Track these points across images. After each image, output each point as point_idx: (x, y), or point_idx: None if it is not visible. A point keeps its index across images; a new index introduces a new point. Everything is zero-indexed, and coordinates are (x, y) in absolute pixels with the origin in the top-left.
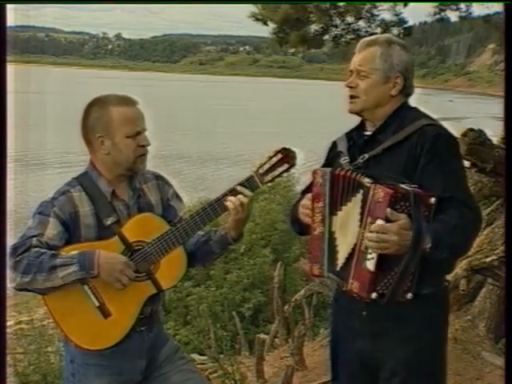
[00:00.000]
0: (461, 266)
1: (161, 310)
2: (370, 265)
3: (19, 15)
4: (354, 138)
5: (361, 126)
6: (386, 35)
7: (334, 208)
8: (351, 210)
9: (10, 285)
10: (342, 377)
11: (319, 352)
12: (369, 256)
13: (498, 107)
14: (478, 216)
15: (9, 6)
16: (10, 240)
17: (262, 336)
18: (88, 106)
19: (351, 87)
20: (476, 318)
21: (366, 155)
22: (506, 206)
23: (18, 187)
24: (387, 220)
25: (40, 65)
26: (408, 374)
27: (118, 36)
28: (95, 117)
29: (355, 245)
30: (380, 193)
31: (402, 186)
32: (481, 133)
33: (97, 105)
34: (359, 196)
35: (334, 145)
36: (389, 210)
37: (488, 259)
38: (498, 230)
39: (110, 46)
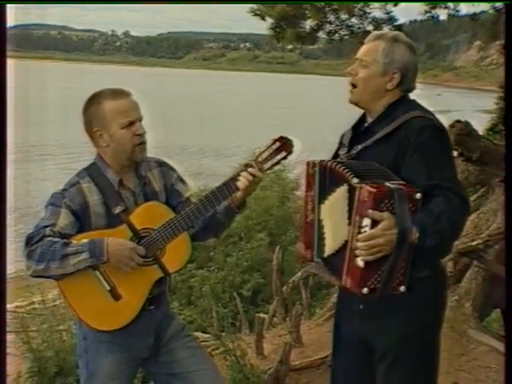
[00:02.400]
0: None
1: (167, 290)
2: (360, 262)
3: (34, 14)
4: (356, 129)
5: (363, 119)
6: (396, 32)
7: (321, 197)
8: (336, 201)
9: (26, 272)
10: (341, 355)
11: (315, 330)
12: (357, 253)
13: (483, 101)
14: (464, 201)
15: (23, 6)
16: (10, 230)
17: (262, 315)
18: (86, 102)
19: (352, 74)
20: (462, 297)
21: (359, 146)
22: (506, 206)
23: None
24: (373, 220)
25: (53, 60)
26: (399, 354)
27: (126, 33)
28: (92, 112)
29: (346, 241)
30: (365, 192)
31: (387, 183)
32: (467, 124)
33: (92, 100)
34: (344, 190)
35: (342, 137)
36: (370, 211)
37: (474, 243)
38: (483, 216)
39: (118, 43)
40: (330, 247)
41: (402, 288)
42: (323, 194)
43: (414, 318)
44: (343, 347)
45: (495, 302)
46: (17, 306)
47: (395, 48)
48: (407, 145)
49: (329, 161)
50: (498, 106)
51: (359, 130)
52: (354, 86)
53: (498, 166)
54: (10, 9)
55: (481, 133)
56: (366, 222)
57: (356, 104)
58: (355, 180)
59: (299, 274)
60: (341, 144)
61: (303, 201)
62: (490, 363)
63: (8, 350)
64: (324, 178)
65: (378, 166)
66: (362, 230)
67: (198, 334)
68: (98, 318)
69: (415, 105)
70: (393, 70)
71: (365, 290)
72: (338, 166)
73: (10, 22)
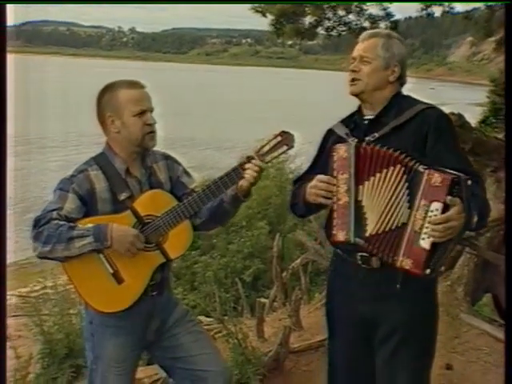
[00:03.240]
0: None
1: (171, 276)
2: (426, 244)
3: (41, 11)
4: (357, 121)
5: (359, 112)
6: (387, 30)
7: (360, 179)
8: (383, 183)
9: (32, 253)
10: (338, 337)
11: (314, 314)
12: (423, 236)
13: (475, 94)
14: (483, 182)
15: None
16: (21, 219)
17: (262, 300)
18: (100, 91)
19: (354, 71)
20: (455, 283)
21: (376, 134)
22: (506, 204)
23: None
24: (444, 204)
25: (62, 56)
26: (405, 335)
27: (132, 30)
28: (106, 99)
29: (404, 224)
30: (437, 178)
31: (451, 172)
32: (460, 116)
33: (107, 89)
34: (398, 173)
35: (330, 132)
36: (448, 197)
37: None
38: None
39: (124, 39)
40: (375, 227)
41: (443, 268)
42: (362, 176)
43: (421, 301)
44: (341, 330)
45: (486, 287)
46: (29, 291)
47: (393, 43)
48: (426, 132)
49: (367, 144)
50: (490, 99)
51: (360, 121)
52: (355, 79)
53: (490, 157)
54: (19, 6)
55: (473, 125)
56: (437, 206)
57: (358, 95)
58: (421, 167)
59: (298, 260)
60: (337, 137)
61: (330, 186)
62: (481, 346)
63: (21, 333)
64: (363, 161)
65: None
66: (431, 214)
67: (202, 317)
68: (102, 300)
69: (415, 98)
70: (394, 63)
71: (428, 271)
72: (382, 149)
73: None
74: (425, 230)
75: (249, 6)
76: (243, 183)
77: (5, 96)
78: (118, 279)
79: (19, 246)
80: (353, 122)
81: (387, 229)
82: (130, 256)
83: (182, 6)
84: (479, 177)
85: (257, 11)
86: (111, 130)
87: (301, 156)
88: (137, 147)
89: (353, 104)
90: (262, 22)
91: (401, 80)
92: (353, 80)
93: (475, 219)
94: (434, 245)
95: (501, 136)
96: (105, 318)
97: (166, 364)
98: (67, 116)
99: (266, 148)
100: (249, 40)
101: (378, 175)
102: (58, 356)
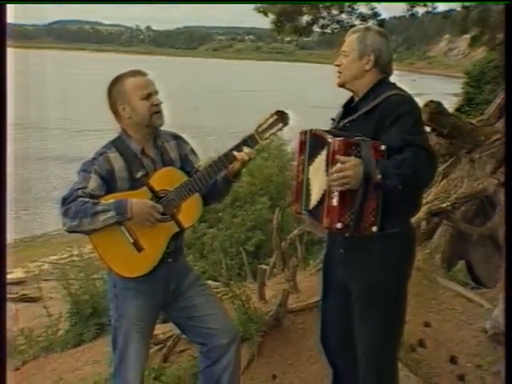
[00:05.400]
0: (422, 211)
1: (183, 245)
2: (335, 201)
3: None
4: (346, 108)
5: (351, 99)
6: (368, 24)
7: (310, 160)
8: (320, 161)
9: (62, 228)
10: (328, 298)
11: (309, 279)
12: (333, 195)
13: (452, 85)
14: (430, 154)
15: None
16: (11, 206)
17: (263, 266)
18: (109, 84)
19: (337, 65)
20: (433, 251)
21: (345, 120)
22: (506, 204)
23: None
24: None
25: (86, 51)
26: (371, 297)
27: (148, 28)
28: (115, 90)
29: (325, 190)
30: (336, 144)
31: (357, 138)
32: (439, 104)
33: (115, 81)
34: (325, 150)
35: (337, 115)
36: (338, 156)
37: (444, 205)
38: (451, 182)
39: (141, 36)
40: (314, 200)
41: (374, 228)
42: (312, 157)
43: (384, 268)
44: (330, 291)
45: (460, 254)
46: (59, 259)
47: (366, 35)
48: (386, 116)
49: (317, 129)
50: (464, 90)
51: (348, 108)
52: (340, 72)
53: (465, 140)
54: (52, 7)
55: (450, 112)
56: (338, 166)
57: (342, 86)
58: (329, 137)
59: (295, 231)
60: (333, 121)
61: (296, 164)
62: (455, 306)
63: (51, 295)
64: (314, 144)
65: (357, 134)
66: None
67: (210, 282)
68: (124, 267)
69: (394, 86)
70: (367, 52)
71: (339, 225)
72: (323, 132)
73: (52, 17)
74: (333, 189)
75: (252, 6)
76: (234, 165)
77: (4, 90)
78: (138, 248)
79: (47, 222)
80: (343, 108)
81: (318, 199)
82: (148, 226)
83: (192, 6)
84: (425, 149)
85: (259, 11)
86: (124, 116)
87: (296, 140)
88: (147, 127)
89: (341, 93)
90: (263, 21)
91: (381, 68)
92: (338, 73)
93: (378, 176)
94: (342, 201)
95: (474, 121)
96: (127, 282)
97: (180, 322)
98: (91, 103)
99: (264, 126)
100: (251, 37)
101: (319, 156)
102: (84, 315)
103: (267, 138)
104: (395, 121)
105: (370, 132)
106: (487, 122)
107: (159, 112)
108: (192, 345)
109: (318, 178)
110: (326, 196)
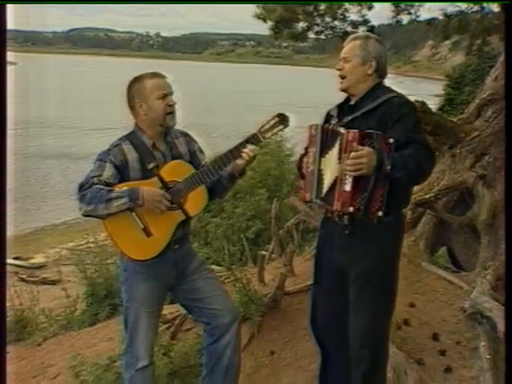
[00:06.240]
0: None
1: (189, 233)
2: (348, 187)
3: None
4: (343, 106)
5: (348, 99)
6: (366, 32)
7: (323, 152)
8: (333, 153)
9: (78, 213)
10: (322, 281)
11: (304, 264)
12: (346, 181)
13: (434, 87)
14: (431, 153)
15: (79, 11)
16: (11, 196)
17: (263, 252)
18: (129, 82)
19: (339, 69)
20: (417, 238)
21: (349, 117)
22: (506, 204)
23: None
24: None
25: (101, 56)
26: (367, 279)
27: (157, 34)
28: (134, 89)
29: (336, 176)
30: (350, 134)
31: (369, 131)
32: (423, 104)
33: (135, 80)
34: (337, 141)
35: (328, 114)
36: (354, 144)
37: (427, 196)
38: (434, 175)
39: (151, 42)
40: (326, 187)
41: (380, 213)
42: (325, 150)
43: (381, 253)
44: (323, 275)
45: (442, 241)
46: (76, 245)
47: (368, 43)
48: (389, 116)
49: (328, 124)
50: (445, 91)
51: (346, 107)
52: (342, 77)
53: (447, 136)
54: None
55: (433, 111)
56: (352, 154)
57: (345, 90)
58: (342, 129)
59: (292, 220)
60: (329, 117)
61: (303, 156)
62: (437, 288)
63: (69, 278)
64: (325, 137)
65: (363, 129)
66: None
67: (214, 267)
68: (134, 250)
69: (390, 89)
70: (369, 58)
71: (351, 209)
72: (335, 126)
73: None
74: (346, 176)
75: (252, 13)
76: (239, 162)
77: (4, 92)
78: (148, 233)
79: (64, 212)
80: (341, 106)
81: (330, 186)
82: (158, 213)
83: (198, 14)
84: (427, 147)
85: (259, 18)
86: (140, 113)
87: (294, 138)
88: (160, 126)
89: (335, 95)
90: (263, 27)
91: (380, 73)
92: (341, 78)
93: (388, 167)
94: (354, 187)
95: (455, 120)
96: (137, 265)
97: (186, 303)
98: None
99: (266, 126)
100: (252, 42)
101: (332, 149)
102: (99, 296)
103: (269, 138)
104: (398, 120)
105: (372, 129)
106: (467, 121)
107: (172, 113)
108: (197, 324)
109: (330, 168)
110: (337, 183)
